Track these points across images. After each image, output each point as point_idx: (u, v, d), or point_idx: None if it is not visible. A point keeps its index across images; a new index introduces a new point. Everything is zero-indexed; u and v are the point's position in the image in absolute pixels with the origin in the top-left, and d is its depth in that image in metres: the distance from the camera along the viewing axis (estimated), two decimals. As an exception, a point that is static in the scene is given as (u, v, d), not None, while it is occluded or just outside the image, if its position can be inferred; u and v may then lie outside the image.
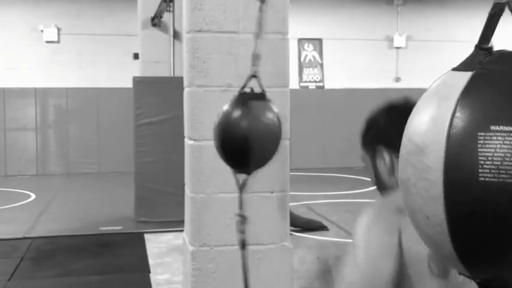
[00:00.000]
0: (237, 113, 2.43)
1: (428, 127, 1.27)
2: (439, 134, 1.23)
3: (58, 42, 13.54)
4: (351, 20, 14.76)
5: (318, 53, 14.69)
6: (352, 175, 12.67)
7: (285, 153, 3.64)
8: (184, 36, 3.37)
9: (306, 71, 14.63)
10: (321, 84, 14.70)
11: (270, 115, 2.59)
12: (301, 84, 14.48)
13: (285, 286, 3.67)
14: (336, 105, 14.21)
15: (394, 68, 15.21)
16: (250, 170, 2.68)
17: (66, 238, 7.27)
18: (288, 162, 3.71)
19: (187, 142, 3.48)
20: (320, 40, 14.64)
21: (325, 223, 7.95)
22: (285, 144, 3.63)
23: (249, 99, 2.55)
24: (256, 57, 2.49)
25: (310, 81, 14.62)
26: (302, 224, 7.60)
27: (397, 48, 15.18)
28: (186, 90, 3.46)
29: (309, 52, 14.63)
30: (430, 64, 14.67)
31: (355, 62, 14.74)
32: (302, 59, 14.53)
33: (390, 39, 15.14)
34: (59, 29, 13.50)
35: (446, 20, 15.11)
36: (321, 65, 14.71)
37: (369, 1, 14.85)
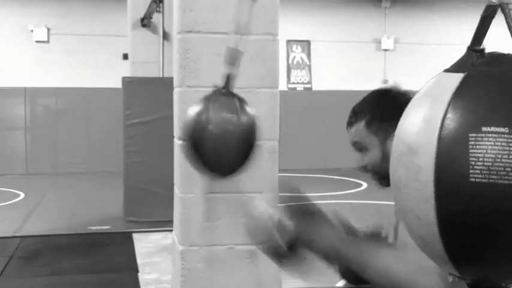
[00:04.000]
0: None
1: (420, 128, 1.28)
2: (430, 135, 1.24)
3: (48, 42, 13.49)
4: (339, 22, 14.81)
5: (306, 54, 14.72)
6: (340, 176, 12.70)
7: (274, 154, 3.65)
8: (175, 36, 3.37)
9: (294, 72, 14.65)
10: (309, 85, 14.73)
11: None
12: (289, 85, 14.50)
13: (273, 286, 3.68)
14: (324, 106, 14.25)
15: (382, 70, 15.26)
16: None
17: (55, 237, 7.24)
18: (277, 163, 3.72)
19: (177, 142, 3.48)
20: (308, 42, 14.67)
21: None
22: (274, 145, 3.65)
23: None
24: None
25: (298, 83, 14.65)
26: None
27: (385, 50, 15.24)
28: (176, 90, 3.46)
29: (297, 54, 14.66)
30: (417, 66, 14.74)
31: (343, 64, 14.78)
32: (290, 61, 14.55)
33: (378, 42, 15.20)
34: (48, 29, 13.45)
35: (434, 23, 15.19)
36: (309, 67, 14.74)
37: (357, 3, 14.90)
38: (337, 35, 14.80)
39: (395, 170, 1.36)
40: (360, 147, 1.81)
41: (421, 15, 15.16)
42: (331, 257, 1.57)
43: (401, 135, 1.35)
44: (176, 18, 3.36)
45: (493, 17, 1.36)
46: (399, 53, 15.14)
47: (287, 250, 1.55)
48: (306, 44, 14.67)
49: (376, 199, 8.95)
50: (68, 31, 13.45)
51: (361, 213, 9.01)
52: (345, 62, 14.79)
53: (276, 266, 3.61)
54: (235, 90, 3.38)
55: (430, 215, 1.25)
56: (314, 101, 14.29)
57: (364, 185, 11.51)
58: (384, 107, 1.76)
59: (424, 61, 14.74)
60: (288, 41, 14.40)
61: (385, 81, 15.16)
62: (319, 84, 14.64)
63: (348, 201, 9.64)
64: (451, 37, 14.86)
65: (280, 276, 3.74)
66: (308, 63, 14.74)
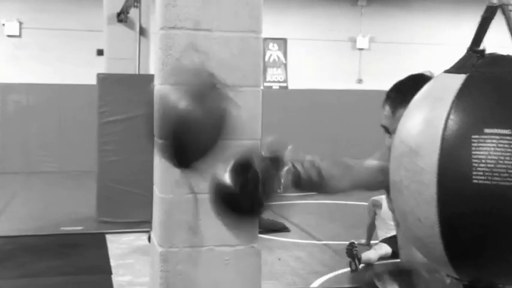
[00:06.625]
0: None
1: (422, 129, 1.26)
2: (433, 136, 1.22)
3: (20, 36, 13.25)
4: (316, 21, 14.82)
5: (283, 53, 14.72)
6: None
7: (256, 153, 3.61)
8: (158, 33, 3.31)
9: (270, 71, 14.63)
10: (285, 84, 14.73)
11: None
12: (265, 84, 14.47)
13: None
14: (299, 105, 14.26)
15: (357, 69, 15.33)
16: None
17: (26, 238, 7.10)
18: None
19: (158, 141, 3.42)
20: (285, 40, 14.66)
21: (286, 224, 7.99)
22: (255, 144, 3.62)
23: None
24: None
25: (274, 82, 14.63)
26: (264, 225, 7.60)
27: (360, 49, 15.30)
28: (157, 88, 3.40)
29: (274, 52, 14.64)
30: (392, 66, 14.83)
31: (319, 63, 14.81)
32: (266, 59, 14.53)
33: (353, 41, 15.26)
34: (21, 23, 13.21)
35: (410, 22, 15.31)
36: (285, 65, 14.74)
37: (333, 2, 14.94)
38: (314, 33, 14.82)
39: (396, 172, 1.34)
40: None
41: (397, 15, 15.27)
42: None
43: (402, 136, 1.33)
44: (159, 14, 3.30)
45: (492, 18, 1.36)
46: (374, 52, 15.22)
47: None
48: (282, 42, 14.66)
49: (347, 199, 8.99)
50: (41, 25, 13.21)
51: (333, 213, 9.08)
52: (320, 60, 14.82)
53: (256, 267, 3.59)
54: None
55: (432, 217, 1.24)
56: (290, 100, 14.28)
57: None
58: None
59: (399, 61, 14.84)
60: (265, 39, 14.36)
61: (360, 81, 15.25)
62: (295, 82, 14.64)
63: (320, 201, 9.66)
64: (426, 37, 14.99)
65: (260, 278, 3.72)
66: (284, 62, 14.74)
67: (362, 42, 15.18)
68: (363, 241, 6.74)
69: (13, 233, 7.28)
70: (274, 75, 14.64)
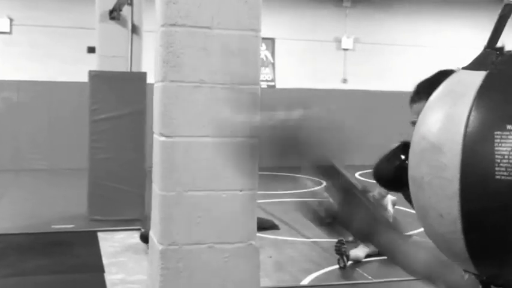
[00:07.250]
0: None
1: (443, 125, 1.27)
2: (455, 133, 1.23)
3: (10, 33, 13.11)
4: (302, 21, 14.86)
5: (270, 52, 14.74)
6: (302, 174, 12.75)
7: (254, 151, 3.62)
8: (158, 30, 3.30)
9: (258, 70, 14.68)
10: (273, 83, 14.75)
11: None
12: (253, 83, 14.51)
13: (252, 285, 3.66)
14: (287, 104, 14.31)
15: (342, 69, 15.39)
16: None
17: (17, 236, 7.04)
18: (257, 160, 3.70)
19: (158, 138, 3.41)
20: (273, 40, 14.68)
21: (276, 222, 8.00)
22: (254, 142, 3.61)
23: None
24: None
25: (262, 81, 14.62)
26: (254, 223, 7.63)
27: (345, 50, 15.37)
28: (157, 85, 3.39)
29: (262, 51, 14.65)
30: (376, 67, 14.92)
31: (306, 63, 14.85)
32: (254, 58, 14.57)
33: (338, 41, 15.31)
34: (11, 20, 13.07)
35: (394, 24, 15.40)
36: (273, 65, 14.76)
37: (319, 2, 14.98)
38: (300, 34, 14.86)
39: (417, 168, 1.34)
40: None
41: (381, 16, 15.34)
42: (362, 238, 1.64)
43: (423, 132, 1.34)
44: (159, 11, 3.29)
45: (509, 16, 1.36)
46: (358, 53, 15.29)
47: (327, 225, 1.63)
48: (270, 42, 14.67)
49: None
50: (31, 22, 13.06)
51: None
52: (307, 60, 14.86)
53: (254, 264, 3.60)
54: (217, 87, 3.35)
55: (454, 213, 1.24)
56: (277, 99, 14.32)
57: (324, 183, 11.56)
58: None
59: (383, 61, 14.93)
60: (252, 39, 14.36)
61: (344, 81, 15.30)
62: (283, 82, 14.67)
63: (309, 199, 9.70)
64: (410, 38, 15.09)
65: (258, 275, 3.72)
66: (272, 61, 14.76)
67: (347, 42, 15.26)
68: (351, 238, 6.79)
69: (3, 231, 7.23)
70: (262, 74, 14.65)
